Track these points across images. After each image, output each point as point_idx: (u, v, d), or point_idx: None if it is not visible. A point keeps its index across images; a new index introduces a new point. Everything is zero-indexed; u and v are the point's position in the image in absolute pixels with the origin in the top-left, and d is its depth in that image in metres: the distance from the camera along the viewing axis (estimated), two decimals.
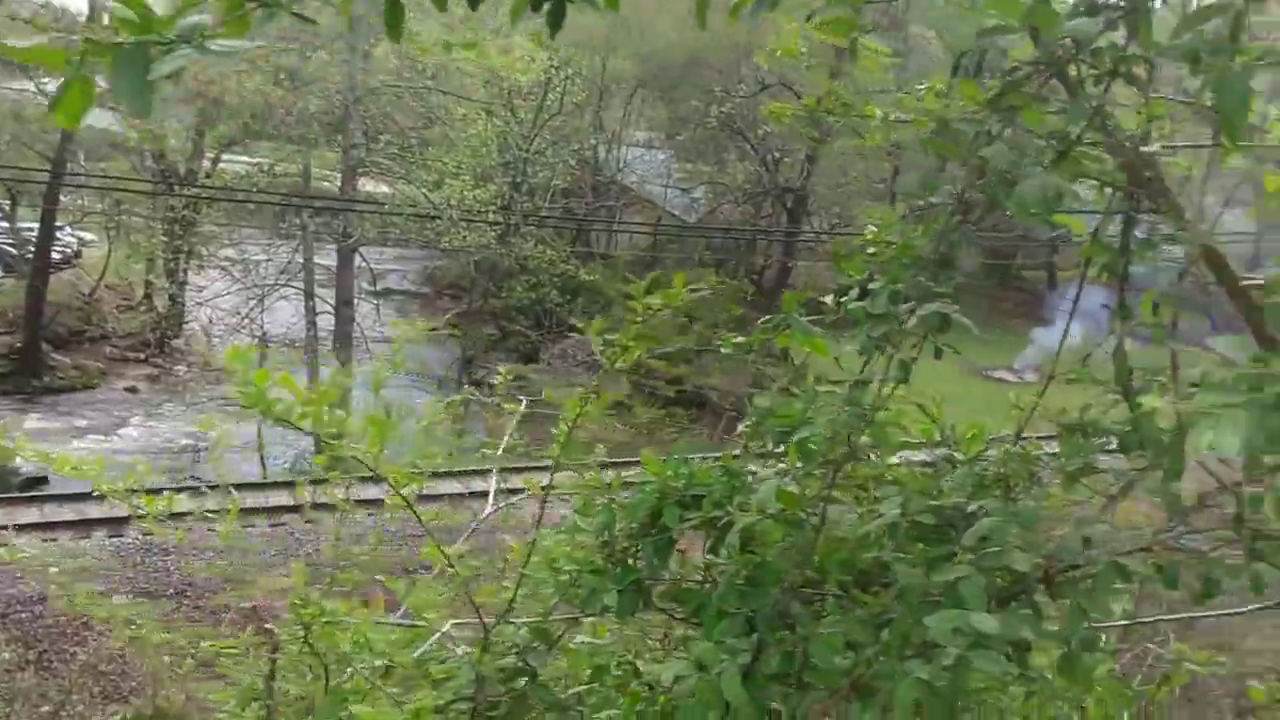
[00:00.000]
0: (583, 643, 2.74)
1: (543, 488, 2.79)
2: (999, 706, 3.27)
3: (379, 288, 27.15)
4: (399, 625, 2.62)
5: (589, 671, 2.87)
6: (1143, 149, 2.88)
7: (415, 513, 2.54)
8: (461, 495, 6.36)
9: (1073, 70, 2.47)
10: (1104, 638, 4.05)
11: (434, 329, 30.04)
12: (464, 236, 23.38)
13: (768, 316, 2.91)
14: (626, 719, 2.61)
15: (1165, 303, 2.79)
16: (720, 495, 2.32)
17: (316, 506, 2.90)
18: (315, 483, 3.85)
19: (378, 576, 2.91)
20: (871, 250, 2.84)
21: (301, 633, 2.45)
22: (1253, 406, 1.33)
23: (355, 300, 23.69)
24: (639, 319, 2.41)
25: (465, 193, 23.06)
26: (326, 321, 23.00)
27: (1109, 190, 3.00)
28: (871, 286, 2.43)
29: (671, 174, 31.47)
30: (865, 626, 2.12)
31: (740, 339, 2.96)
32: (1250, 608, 4.96)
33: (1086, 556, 2.16)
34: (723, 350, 2.97)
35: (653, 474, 2.43)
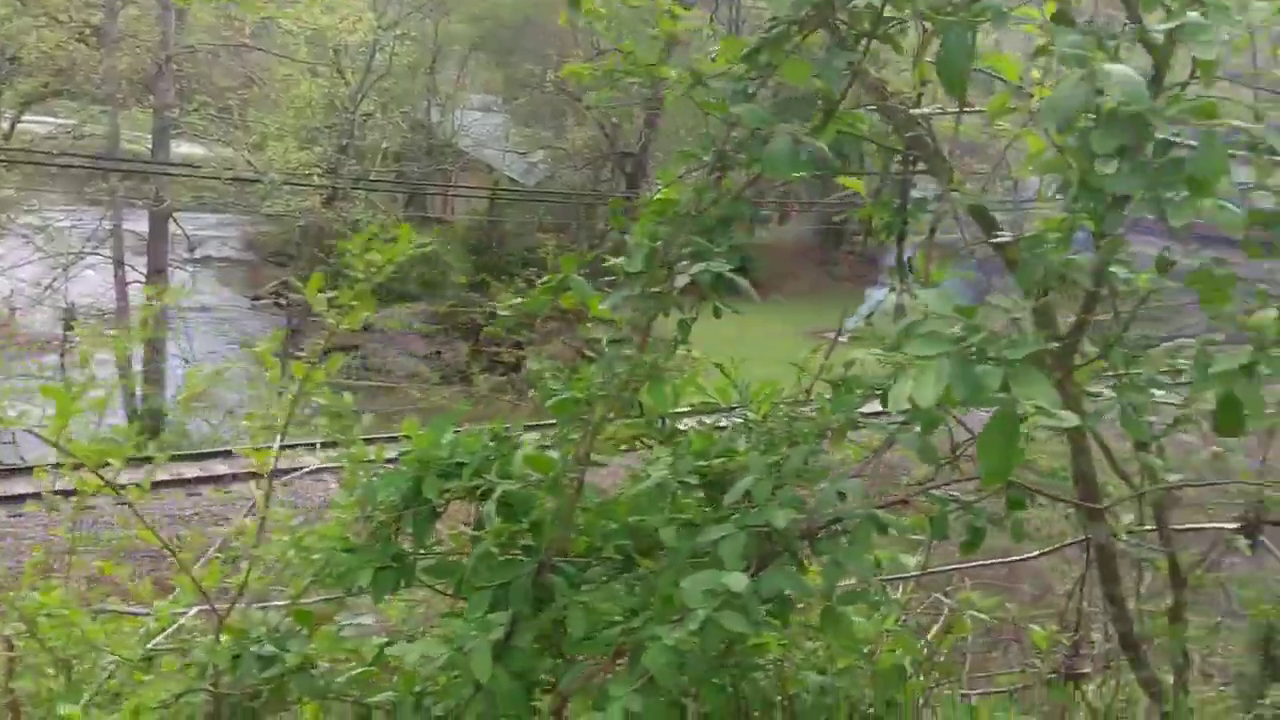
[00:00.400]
0: (351, 625, 2.60)
1: (269, 471, 2.60)
2: (792, 662, 3.30)
3: (198, 255, 25.85)
4: (124, 614, 2.42)
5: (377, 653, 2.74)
6: (912, 111, 2.90)
7: (117, 491, 2.34)
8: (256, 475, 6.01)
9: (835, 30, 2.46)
10: (895, 589, 4.17)
11: (257, 297, 28.86)
12: (288, 201, 22.45)
13: (547, 277, 2.83)
14: (402, 702, 2.50)
15: (919, 258, 2.83)
16: (480, 463, 2.22)
17: (57, 492, 2.65)
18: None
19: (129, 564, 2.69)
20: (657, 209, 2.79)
21: (24, 628, 2.24)
22: (954, 358, 1.30)
23: (169, 269, 22.52)
24: (360, 276, 2.27)
25: (289, 155, 22.11)
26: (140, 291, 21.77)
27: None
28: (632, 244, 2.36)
29: (509, 138, 30.95)
30: (626, 593, 2.07)
31: (518, 300, 2.86)
32: (1036, 553, 5.20)
33: (845, 511, 2.16)
34: (500, 311, 2.87)
35: (416, 444, 2.31)
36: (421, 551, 2.41)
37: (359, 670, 2.68)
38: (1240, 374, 1.28)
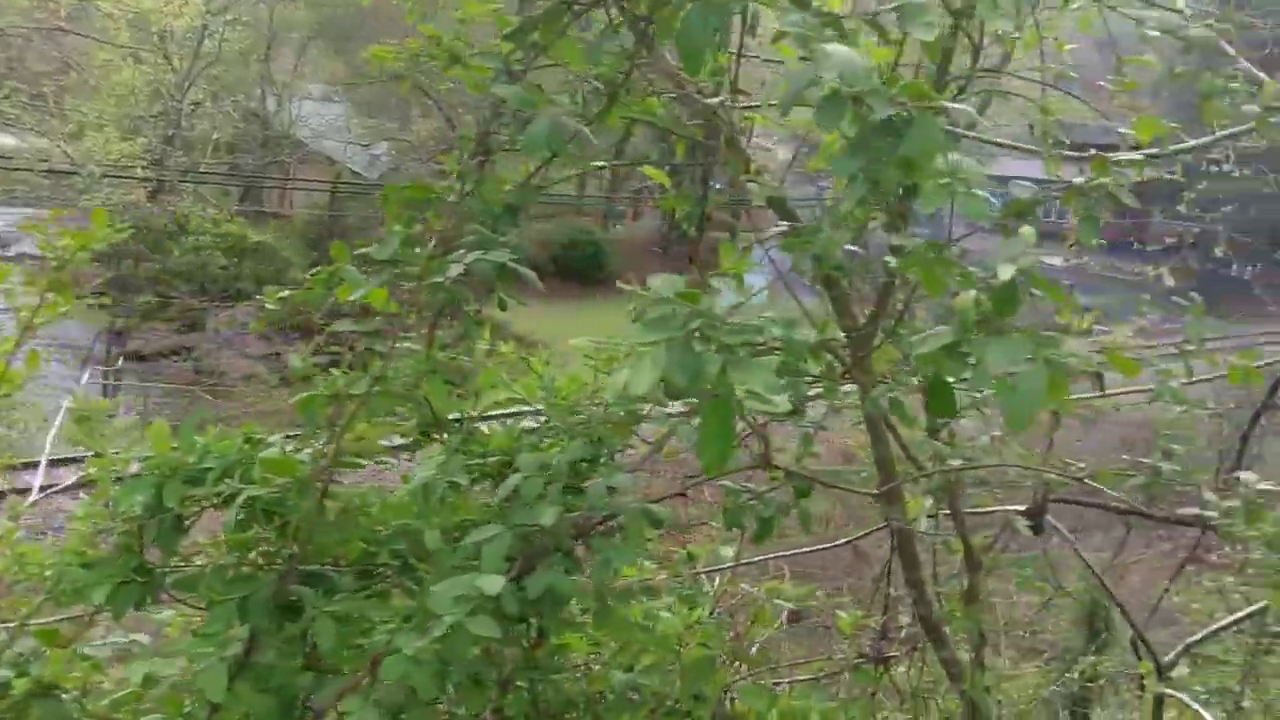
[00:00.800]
0: (105, 644, 2.40)
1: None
2: (596, 660, 3.25)
3: (12, 252, 24.18)
4: None
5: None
6: (708, 101, 2.87)
7: None
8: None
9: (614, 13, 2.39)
10: (705, 581, 4.17)
11: (78, 297, 27.15)
12: (109, 195, 21.22)
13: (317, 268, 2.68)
14: None
15: (725, 248, 2.79)
16: (226, 468, 2.06)
17: None
18: None
19: None
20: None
21: None
22: (673, 344, 1.24)
23: None
24: (55, 263, 2.10)
25: (110, 146, 20.89)
26: None
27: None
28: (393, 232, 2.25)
29: (351, 129, 30.06)
30: (381, 601, 1.96)
31: (286, 293, 2.71)
32: (842, 541, 5.31)
33: (618, 506, 2.10)
34: (268, 305, 2.70)
35: (156, 448, 2.13)
36: (174, 565, 2.24)
37: (124, 692, 2.49)
38: (943, 356, 1.27)
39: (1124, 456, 4.07)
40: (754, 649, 4.20)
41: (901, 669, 4.04)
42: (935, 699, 4.07)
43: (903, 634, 4.07)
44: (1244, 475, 3.45)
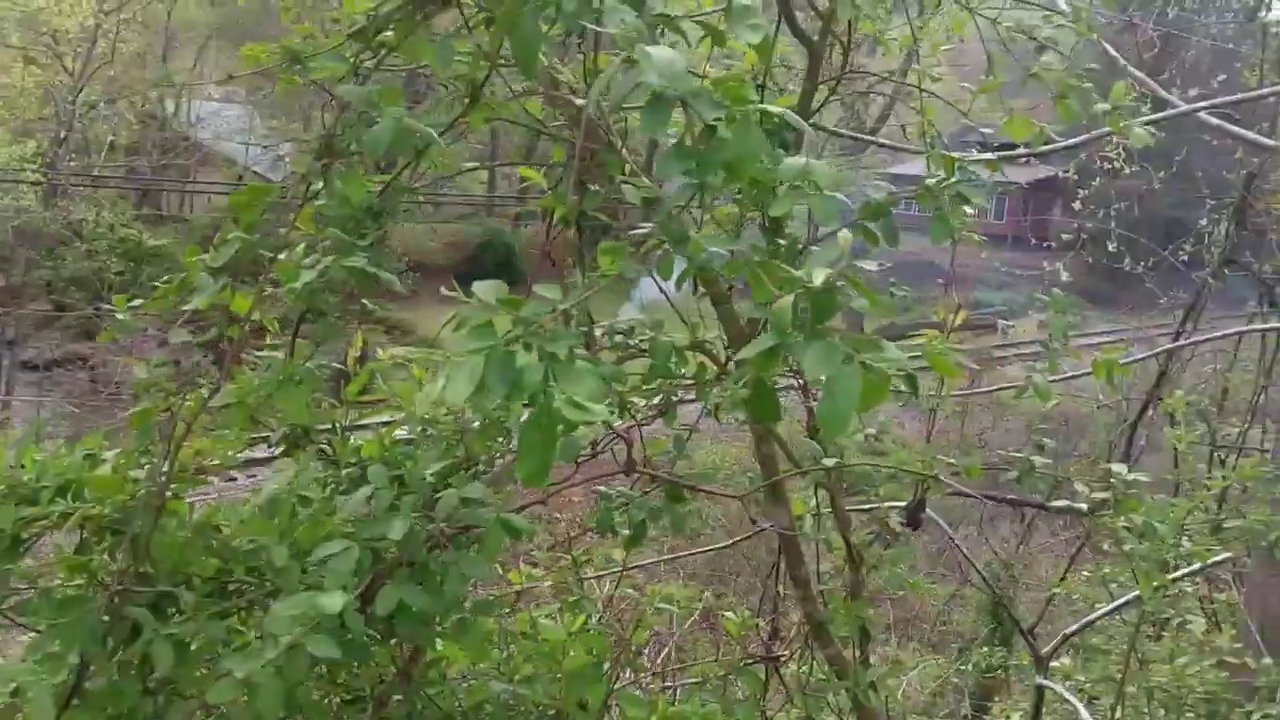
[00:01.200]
0: None
1: None
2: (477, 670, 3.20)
3: None
4: None
5: None
6: (579, 101, 2.83)
7: None
8: None
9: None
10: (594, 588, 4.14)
11: None
12: None
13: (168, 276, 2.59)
14: None
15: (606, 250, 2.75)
16: (61, 485, 1.97)
17: None
18: None
19: None
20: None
21: None
22: (492, 353, 1.21)
23: None
24: None
25: None
26: None
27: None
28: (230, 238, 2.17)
29: (253, 130, 29.37)
30: (246, 620, 1.89)
31: (139, 301, 2.61)
32: (728, 542, 5.33)
33: (473, 517, 2.06)
34: (117, 316, 2.59)
35: None
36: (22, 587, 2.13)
37: None
38: (763, 360, 1.26)
39: (1002, 450, 4.16)
40: (665, 652, 4.19)
41: (792, 668, 4.06)
42: (826, 697, 4.09)
43: (793, 633, 4.10)
44: (1115, 467, 3.54)
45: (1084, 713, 3.00)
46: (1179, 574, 3.43)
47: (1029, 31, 2.42)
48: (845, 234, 1.32)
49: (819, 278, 1.24)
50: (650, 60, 1.29)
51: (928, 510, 3.68)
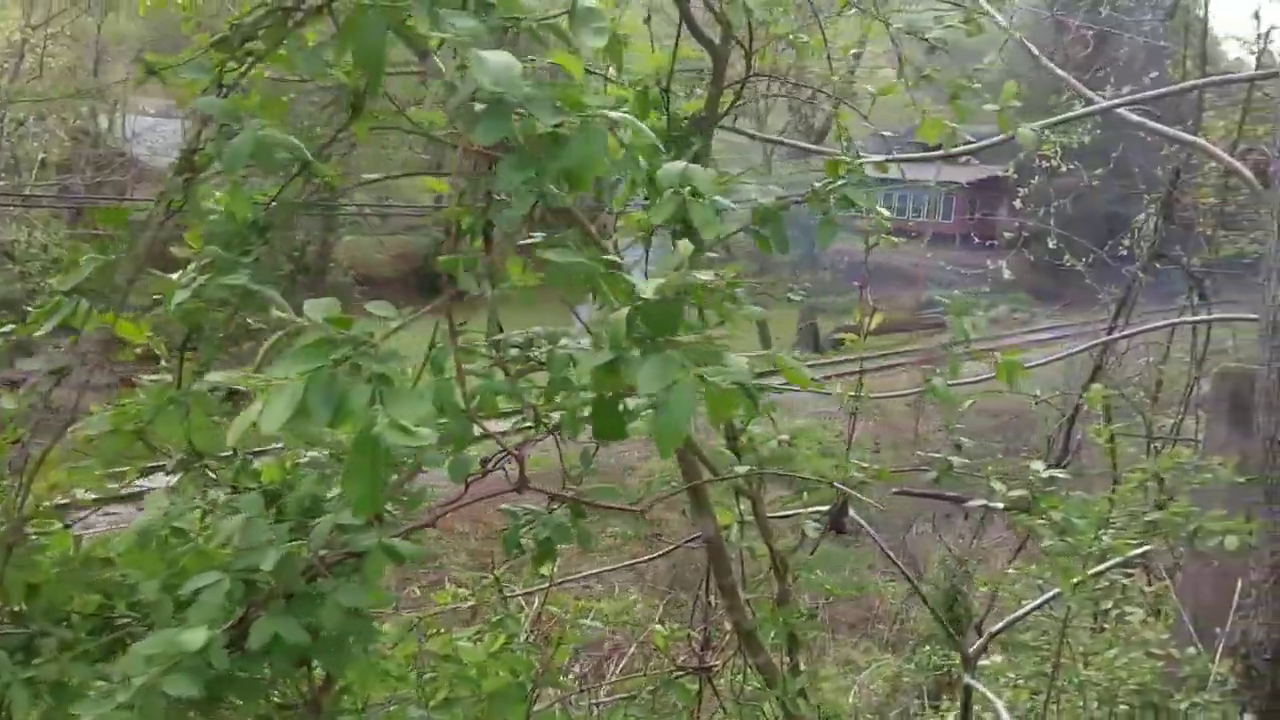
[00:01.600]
0: None
1: None
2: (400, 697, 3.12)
3: None
4: None
5: None
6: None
7: None
8: None
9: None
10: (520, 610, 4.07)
11: None
12: None
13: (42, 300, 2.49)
14: None
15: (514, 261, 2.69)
16: None
17: None
18: None
19: None
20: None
21: None
22: (315, 376, 1.14)
23: None
24: None
25: None
26: None
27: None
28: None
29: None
30: (82, 663, 1.80)
31: (9, 328, 2.51)
32: (656, 554, 5.28)
33: (356, 542, 1.98)
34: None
35: None
36: None
37: None
38: (602, 375, 1.20)
39: (929, 447, 4.15)
40: (608, 666, 4.11)
41: (725, 679, 4.02)
42: (761, 706, 4.04)
43: (725, 642, 4.06)
44: (1034, 464, 3.53)
45: (1003, 713, 2.98)
46: (1098, 569, 3.43)
47: (919, 32, 2.40)
48: (686, 244, 1.28)
49: (647, 290, 1.18)
50: (484, 65, 1.23)
51: (852, 513, 3.66)
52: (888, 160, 3.00)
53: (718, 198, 1.87)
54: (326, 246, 29.41)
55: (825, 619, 13.80)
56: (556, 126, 1.23)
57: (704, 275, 1.24)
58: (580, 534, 2.58)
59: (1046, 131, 13.07)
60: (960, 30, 2.45)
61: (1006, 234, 15.21)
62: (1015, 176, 14.31)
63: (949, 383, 2.93)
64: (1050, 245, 13.39)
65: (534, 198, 1.32)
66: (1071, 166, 13.32)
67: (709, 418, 1.15)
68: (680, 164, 1.76)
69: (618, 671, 4.44)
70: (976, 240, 23.67)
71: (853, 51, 3.97)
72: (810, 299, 28.36)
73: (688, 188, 1.74)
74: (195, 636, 1.65)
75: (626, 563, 4.54)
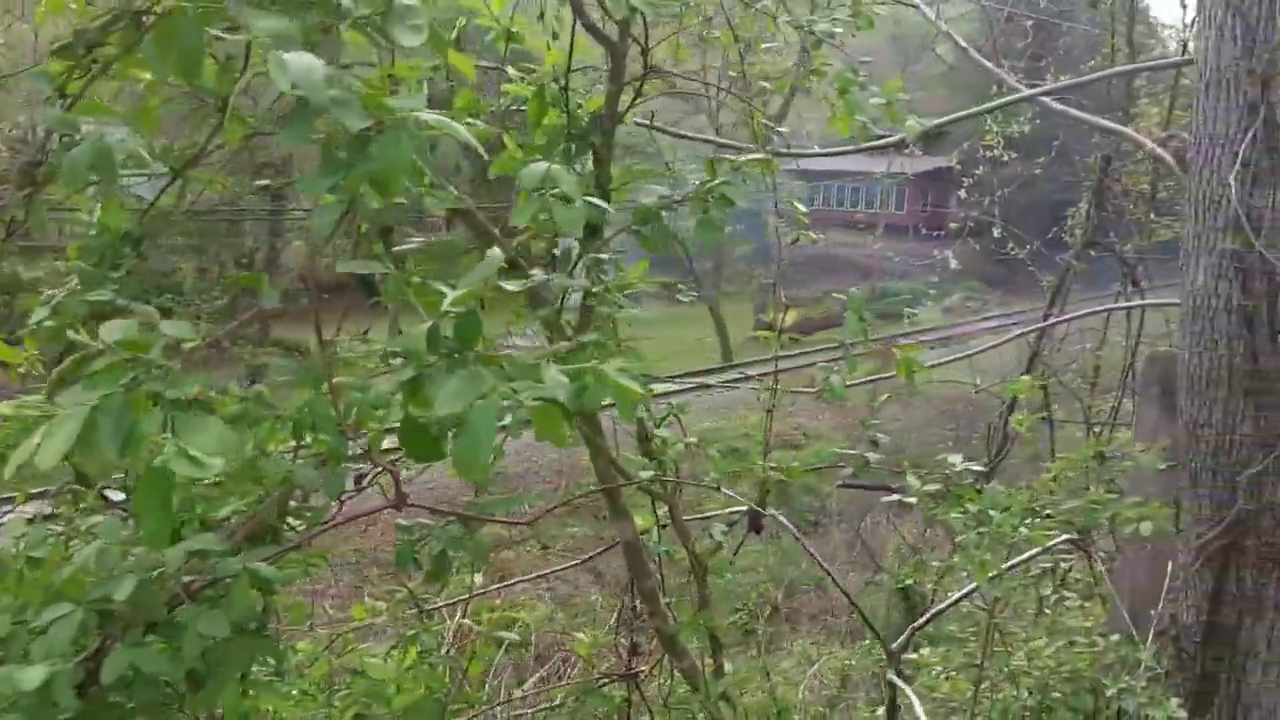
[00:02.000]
0: None
1: None
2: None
3: None
4: None
5: None
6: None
7: None
8: None
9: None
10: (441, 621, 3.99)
11: None
12: None
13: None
14: None
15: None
16: None
17: None
18: None
19: None
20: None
21: None
22: (103, 404, 1.07)
23: None
24: None
25: None
26: None
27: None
28: None
29: (135, 153, 28.29)
30: None
31: None
32: (575, 562, 5.23)
33: (222, 568, 1.90)
34: None
35: None
36: None
37: None
38: (409, 393, 1.14)
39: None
40: (537, 677, 4.04)
41: (654, 685, 3.98)
42: (692, 710, 4.00)
43: (654, 647, 4.02)
44: (951, 457, 3.52)
45: (920, 711, 2.96)
46: (1016, 560, 3.42)
47: (807, 26, 2.36)
48: (495, 251, 1.22)
49: (447, 301, 1.12)
50: (284, 68, 1.16)
51: (770, 512, 3.62)
52: (799, 155, 2.95)
53: (591, 199, 1.82)
54: (274, 251, 28.98)
55: (785, 612, 13.81)
56: (365, 130, 1.17)
57: (512, 285, 1.18)
58: (476, 546, 2.52)
59: (989, 121, 13.18)
60: (850, 25, 2.41)
61: (953, 225, 15.33)
62: (959, 167, 14.43)
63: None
64: (996, 234, 13.50)
65: (342, 205, 1.26)
66: (1012, 156, 13.44)
67: (540, 434, 1.10)
68: (543, 165, 1.70)
69: (544, 679, 4.37)
70: (924, 231, 23.87)
71: (765, 46, 3.92)
72: (762, 295, 28.47)
73: (555, 189, 1.68)
74: (33, 674, 1.57)
75: (541, 572, 4.47)
